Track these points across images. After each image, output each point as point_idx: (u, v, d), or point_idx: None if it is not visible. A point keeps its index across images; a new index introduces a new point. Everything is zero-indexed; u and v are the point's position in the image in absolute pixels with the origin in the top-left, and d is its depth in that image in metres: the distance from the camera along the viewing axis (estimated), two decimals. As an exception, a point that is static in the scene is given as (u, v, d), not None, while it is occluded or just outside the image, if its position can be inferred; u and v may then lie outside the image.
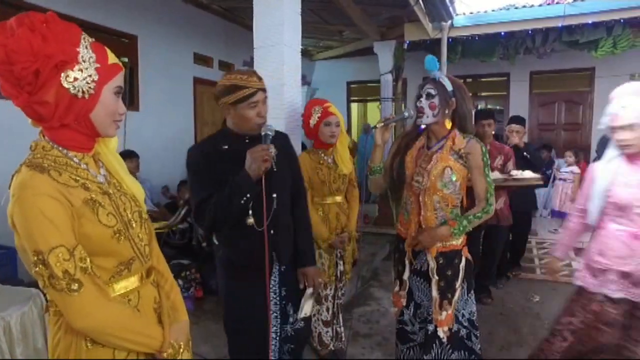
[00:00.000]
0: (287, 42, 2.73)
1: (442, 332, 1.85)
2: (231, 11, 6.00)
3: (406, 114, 2.01)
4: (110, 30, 4.42)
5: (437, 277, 1.86)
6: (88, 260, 0.91)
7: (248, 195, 1.56)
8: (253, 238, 1.63)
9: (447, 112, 1.83)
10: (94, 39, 0.97)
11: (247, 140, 1.67)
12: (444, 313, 1.85)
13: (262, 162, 1.53)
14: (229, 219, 1.62)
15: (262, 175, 1.58)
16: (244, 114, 1.62)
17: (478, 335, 1.96)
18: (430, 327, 1.89)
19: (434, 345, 1.88)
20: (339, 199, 2.57)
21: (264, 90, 1.66)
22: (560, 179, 5.52)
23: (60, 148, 0.96)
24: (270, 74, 2.72)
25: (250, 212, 1.61)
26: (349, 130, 8.57)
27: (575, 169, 5.51)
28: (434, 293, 1.87)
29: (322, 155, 2.54)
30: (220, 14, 6.05)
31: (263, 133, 1.60)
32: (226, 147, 1.67)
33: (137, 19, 4.75)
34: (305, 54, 8.29)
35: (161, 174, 5.11)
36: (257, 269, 1.64)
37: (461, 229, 1.81)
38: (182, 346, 1.06)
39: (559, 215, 5.60)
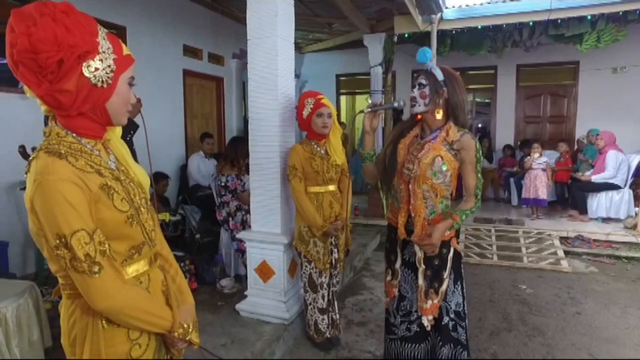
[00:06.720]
0: (280, 34, 2.73)
1: (426, 321, 1.87)
2: (220, 2, 5.95)
3: (395, 104, 1.98)
4: (98, 21, 4.30)
5: (423, 266, 1.87)
6: (107, 244, 0.93)
7: (132, 132, 1.98)
8: None
9: (438, 101, 1.86)
10: (108, 30, 0.99)
11: None
12: (429, 302, 1.86)
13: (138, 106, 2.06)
14: None
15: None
16: None
17: (464, 326, 1.94)
18: (424, 320, 1.89)
19: (429, 338, 1.92)
20: (332, 188, 2.61)
21: None
22: (542, 169, 5.85)
23: (74, 135, 0.98)
24: (264, 65, 2.73)
25: None
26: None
27: (547, 159, 5.92)
28: (420, 281, 1.87)
29: (315, 146, 2.58)
30: (209, 6, 5.99)
31: None
32: None
33: (125, 10, 4.68)
34: (295, 46, 8.24)
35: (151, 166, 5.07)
36: None
37: (461, 222, 1.84)
38: (190, 326, 1.08)
39: (526, 202, 5.96)
